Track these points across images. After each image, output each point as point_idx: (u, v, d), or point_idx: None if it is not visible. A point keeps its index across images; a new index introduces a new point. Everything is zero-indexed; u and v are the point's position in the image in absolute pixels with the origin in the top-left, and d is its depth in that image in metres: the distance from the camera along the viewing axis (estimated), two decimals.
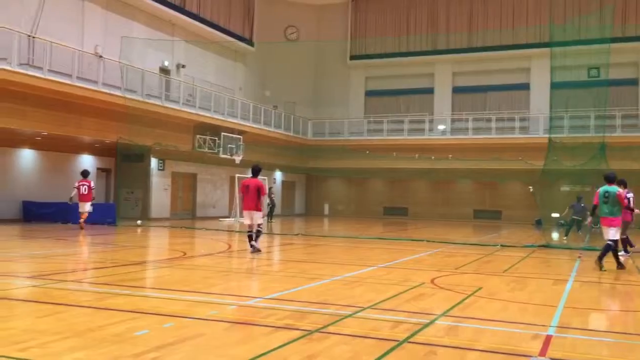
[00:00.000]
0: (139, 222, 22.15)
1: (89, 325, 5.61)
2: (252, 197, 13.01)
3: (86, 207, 19.26)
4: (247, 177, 13.59)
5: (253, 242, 13.10)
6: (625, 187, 13.95)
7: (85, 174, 19.97)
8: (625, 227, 13.99)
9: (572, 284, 9.44)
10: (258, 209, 13.09)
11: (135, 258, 12.42)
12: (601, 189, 11.38)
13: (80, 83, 21.00)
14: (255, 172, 13.48)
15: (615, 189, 11.42)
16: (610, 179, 11.54)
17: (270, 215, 29.51)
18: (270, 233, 21.51)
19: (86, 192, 19.32)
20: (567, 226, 20.81)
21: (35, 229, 19.43)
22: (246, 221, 13.38)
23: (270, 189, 30.62)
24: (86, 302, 7.02)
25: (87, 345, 4.87)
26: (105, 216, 22.38)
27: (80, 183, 19.38)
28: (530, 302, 7.74)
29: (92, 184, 19.69)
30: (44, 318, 5.95)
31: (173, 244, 16.33)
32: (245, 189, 13.19)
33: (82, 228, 18.94)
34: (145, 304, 6.91)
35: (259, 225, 13.26)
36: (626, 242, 14.22)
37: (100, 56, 22.71)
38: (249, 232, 13.26)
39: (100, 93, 21.78)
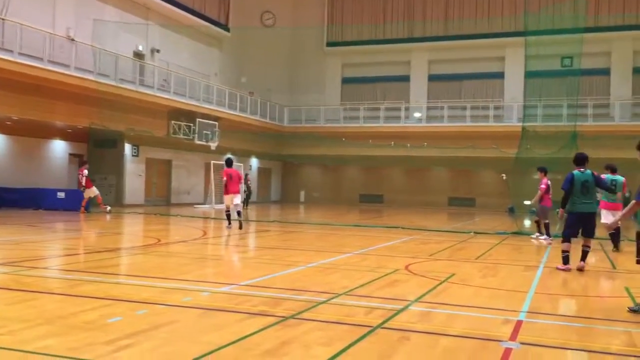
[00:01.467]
0: (108, 208, 21.92)
1: (60, 313, 5.55)
2: (236, 182, 15.96)
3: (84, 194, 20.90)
4: (227, 168, 16.24)
5: (239, 218, 15.90)
6: (546, 174, 15.09)
7: (80, 162, 21.89)
8: (546, 213, 14.96)
9: (543, 270, 9.61)
10: (239, 192, 16.25)
11: (108, 245, 12.30)
12: (608, 177, 11.98)
13: (51, 67, 20.61)
14: (231, 162, 16.50)
15: (621, 178, 12.15)
16: (613, 169, 12.25)
17: (246, 202, 29.50)
18: (246, 220, 21.46)
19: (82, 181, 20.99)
20: None
21: (6, 215, 19.10)
22: (228, 202, 16.05)
23: (246, 175, 30.63)
24: (58, 289, 6.93)
25: (59, 333, 4.82)
26: (77, 203, 22.09)
27: (79, 172, 21.16)
28: (501, 288, 7.87)
29: (84, 172, 20.79)
30: (14, 305, 5.87)
31: (147, 230, 16.20)
32: (229, 176, 15.90)
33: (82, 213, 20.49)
34: (118, 290, 6.86)
35: (238, 205, 16.10)
36: (547, 227, 15.09)
37: (72, 39, 22.27)
38: (227, 211, 16.12)
39: (72, 77, 21.39)
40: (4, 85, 19.50)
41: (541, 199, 14.94)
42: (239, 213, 16.11)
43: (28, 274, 7.83)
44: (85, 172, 20.84)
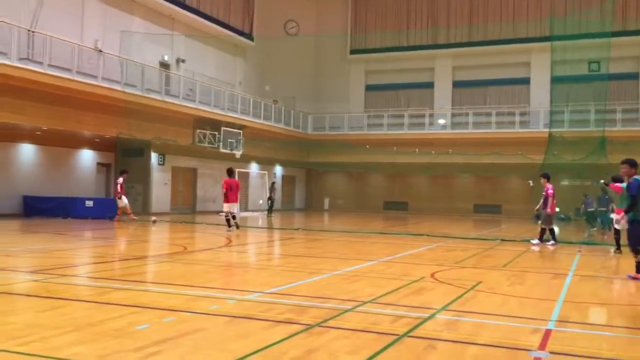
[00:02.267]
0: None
1: (89, 320, 5.62)
2: (235, 192, 17.85)
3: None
4: (228, 178, 18.06)
5: (236, 222, 17.99)
6: (548, 180, 15.40)
7: (120, 171, 22.32)
8: (550, 219, 15.47)
9: (572, 278, 9.46)
10: (237, 201, 18.44)
11: (135, 253, 12.45)
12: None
13: (80, 78, 20.99)
14: (231, 172, 18.30)
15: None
16: (620, 180, 12.16)
17: (270, 210, 29.75)
18: (271, 228, 21.55)
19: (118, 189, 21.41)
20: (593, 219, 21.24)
21: (36, 223, 19.45)
22: (227, 209, 18.01)
23: (272, 184, 31.06)
24: (87, 296, 7.03)
25: (88, 340, 4.88)
26: (105, 211, 22.44)
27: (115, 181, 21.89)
28: (529, 296, 7.76)
29: (119, 180, 21.42)
30: (44, 312, 5.96)
31: (173, 238, 16.36)
32: (229, 187, 17.74)
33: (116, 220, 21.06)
34: (146, 298, 6.93)
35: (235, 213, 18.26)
36: (553, 233, 15.56)
37: (100, 51, 22.67)
38: (227, 217, 18.02)
39: (100, 88, 21.76)
40: (34, 97, 19.92)
41: (546, 205, 15.12)
42: (234, 217, 18.14)
43: (58, 281, 7.96)
44: (120, 180, 21.22)
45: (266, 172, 33.73)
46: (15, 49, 18.91)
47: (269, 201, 30.18)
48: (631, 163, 9.65)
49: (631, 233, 9.42)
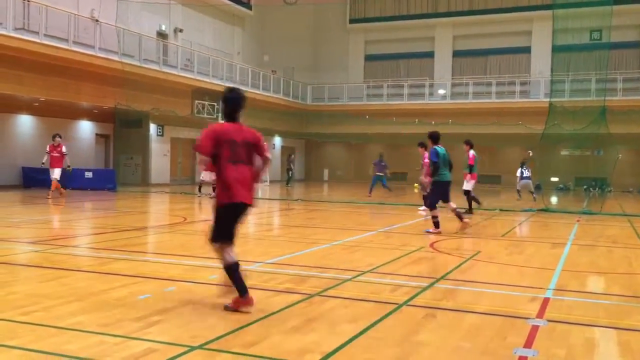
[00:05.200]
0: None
1: (91, 290, 5.67)
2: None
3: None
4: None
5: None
6: (426, 149, 15.68)
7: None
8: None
9: (570, 248, 9.51)
10: None
11: (136, 223, 12.48)
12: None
13: (76, 48, 20.79)
14: None
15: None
16: (471, 144, 15.19)
17: (289, 181, 30.47)
18: (270, 198, 21.59)
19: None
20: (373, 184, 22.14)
21: (36, 195, 19.47)
22: (207, 178, 20.14)
23: (290, 156, 31.85)
24: (88, 266, 7.07)
25: (90, 309, 4.93)
26: (105, 182, 22.45)
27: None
28: (528, 265, 7.81)
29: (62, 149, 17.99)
30: (46, 283, 6.01)
31: (173, 209, 16.40)
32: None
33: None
34: (147, 268, 6.97)
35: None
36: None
37: (97, 20, 22.40)
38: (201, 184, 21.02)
39: (97, 58, 21.57)
40: (31, 67, 19.75)
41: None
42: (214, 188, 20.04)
43: (59, 252, 8.00)
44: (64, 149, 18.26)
45: (266, 142, 33.67)
46: (10, 19, 18.69)
47: (289, 172, 30.70)
48: (432, 139, 10.99)
49: (431, 192, 11.02)
